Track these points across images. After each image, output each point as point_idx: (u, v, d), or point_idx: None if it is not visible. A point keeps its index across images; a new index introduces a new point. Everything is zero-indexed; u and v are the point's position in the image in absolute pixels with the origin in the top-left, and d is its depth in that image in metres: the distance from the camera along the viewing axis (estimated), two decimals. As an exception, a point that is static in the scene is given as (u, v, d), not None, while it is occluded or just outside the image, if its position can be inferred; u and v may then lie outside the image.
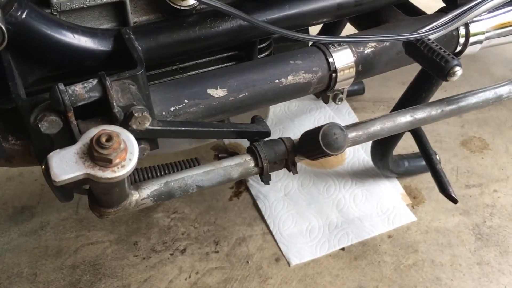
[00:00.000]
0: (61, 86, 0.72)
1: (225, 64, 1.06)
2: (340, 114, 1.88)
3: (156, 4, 0.94)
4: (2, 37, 0.69)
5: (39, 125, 0.74)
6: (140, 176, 0.93)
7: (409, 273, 1.43)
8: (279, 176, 1.67)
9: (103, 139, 0.70)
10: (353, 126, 1.00)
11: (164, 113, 0.91)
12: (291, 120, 1.86)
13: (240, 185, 1.68)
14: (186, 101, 0.93)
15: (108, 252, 1.50)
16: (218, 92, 0.95)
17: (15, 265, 1.46)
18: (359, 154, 1.73)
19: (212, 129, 0.93)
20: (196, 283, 1.44)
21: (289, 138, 0.99)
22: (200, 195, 1.65)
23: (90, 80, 0.74)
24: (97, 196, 0.82)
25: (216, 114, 0.97)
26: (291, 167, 0.98)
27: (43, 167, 0.81)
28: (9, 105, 0.82)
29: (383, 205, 1.59)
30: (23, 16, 0.79)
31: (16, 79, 0.78)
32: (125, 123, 0.77)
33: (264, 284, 1.43)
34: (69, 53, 0.85)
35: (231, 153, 0.98)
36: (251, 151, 0.97)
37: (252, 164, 0.96)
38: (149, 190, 0.90)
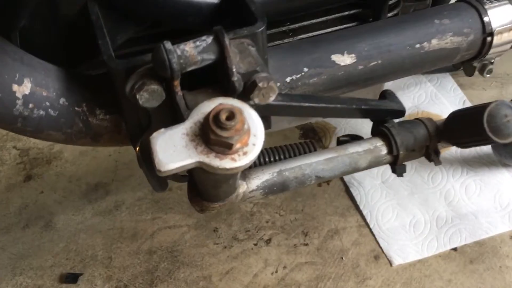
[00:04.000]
0: (168, 45, 0.54)
1: (345, 26, 0.85)
2: (444, 91, 1.64)
3: None
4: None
5: (137, 96, 0.57)
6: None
7: (539, 282, 1.20)
8: (376, 161, 1.46)
9: (223, 117, 0.51)
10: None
11: (278, 84, 0.72)
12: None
13: (331, 169, 1.47)
14: (305, 69, 0.74)
15: (187, 238, 1.35)
16: (344, 59, 0.75)
17: (89, 247, 1.34)
18: (469, 138, 1.49)
19: (339, 105, 0.73)
20: (284, 279, 1.27)
21: (430, 120, 0.78)
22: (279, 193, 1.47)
23: (203, 38, 0.56)
24: (202, 188, 0.65)
25: (339, 87, 0.77)
26: (433, 156, 0.77)
27: (137, 149, 0.64)
28: (97, 70, 0.66)
29: (503, 200, 1.35)
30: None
31: (107, 37, 0.61)
32: (244, 96, 0.58)
33: (362, 285, 1.24)
34: (169, 4, 0.66)
35: (354, 136, 0.78)
36: (382, 134, 0.77)
37: (384, 151, 0.77)
38: (259, 180, 0.72)
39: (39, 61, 0.63)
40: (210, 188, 0.64)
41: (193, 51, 0.55)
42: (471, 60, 0.84)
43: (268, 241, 1.34)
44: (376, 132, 0.77)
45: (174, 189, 1.46)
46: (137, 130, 0.65)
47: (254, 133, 0.54)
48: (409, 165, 1.44)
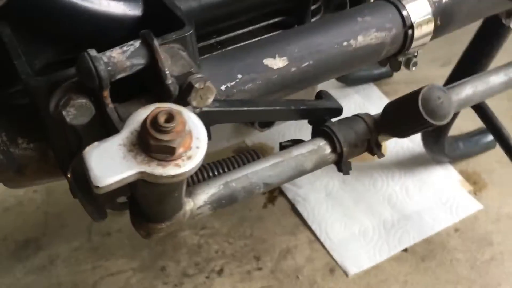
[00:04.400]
0: (93, 52, 0.50)
1: (271, 34, 0.85)
2: (371, 101, 1.69)
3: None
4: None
5: (64, 113, 0.52)
6: (189, 179, 0.71)
7: (489, 269, 1.23)
8: (316, 175, 1.46)
9: (162, 119, 0.48)
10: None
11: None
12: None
13: (273, 190, 1.46)
14: (239, 76, 0.72)
15: (133, 283, 1.26)
16: (277, 62, 0.74)
17: (25, 310, 1.22)
18: (401, 141, 1.53)
19: (278, 107, 0.72)
20: (242, 307, 1.21)
21: (368, 114, 0.79)
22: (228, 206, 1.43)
23: (130, 43, 0.53)
24: (146, 207, 0.60)
25: (275, 92, 0.76)
26: (375, 149, 0.77)
27: (68, 175, 0.59)
28: (15, 99, 0.61)
29: (442, 195, 1.39)
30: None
31: (22, 57, 0.56)
32: (181, 100, 0.55)
33: (322, 300, 1.21)
34: (86, 21, 0.63)
35: (296, 140, 0.77)
36: (324, 133, 0.76)
37: (328, 150, 0.75)
38: (205, 195, 0.68)
39: None
40: (155, 205, 0.59)
41: (121, 57, 0.52)
42: (396, 55, 0.86)
43: (220, 272, 1.28)
44: (317, 132, 0.76)
45: (113, 233, 1.38)
46: (66, 155, 0.59)
47: (197, 136, 0.51)
48: (351, 173, 1.45)
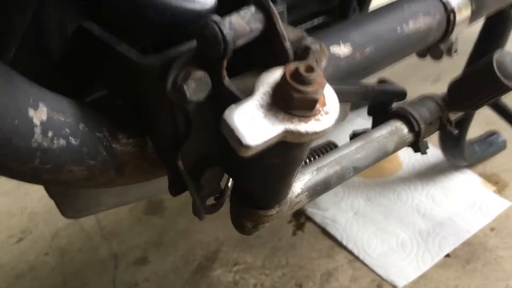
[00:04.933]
0: (217, 17, 0.49)
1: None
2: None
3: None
4: None
5: (185, 87, 0.49)
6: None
7: (535, 260, 1.22)
8: (339, 196, 1.45)
9: (303, 69, 0.46)
10: None
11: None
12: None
13: (300, 217, 1.43)
14: (310, 64, 0.71)
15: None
16: (343, 49, 0.74)
17: None
18: (414, 155, 1.54)
19: (352, 87, 0.71)
20: (297, 337, 1.15)
21: (434, 94, 0.79)
22: (257, 237, 1.38)
23: (245, 8, 0.51)
24: (262, 188, 0.57)
25: (342, 79, 0.76)
26: (448, 126, 0.77)
27: (179, 163, 0.55)
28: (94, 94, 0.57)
29: (469, 198, 1.39)
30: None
31: (124, 43, 0.54)
32: (297, 65, 0.53)
33: (377, 317, 1.16)
34: (170, 17, 0.61)
35: (365, 130, 0.76)
36: (397, 115, 0.76)
37: (405, 129, 0.75)
38: (301, 182, 0.65)
39: (44, 88, 0.53)
40: (279, 181, 0.56)
41: (241, 22, 0.50)
42: (440, 42, 0.88)
43: (264, 305, 1.22)
44: (390, 115, 0.76)
45: (140, 283, 1.30)
46: (172, 144, 0.56)
47: (327, 92, 0.50)
48: (370, 191, 1.45)
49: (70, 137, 0.52)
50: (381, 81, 0.80)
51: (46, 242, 1.47)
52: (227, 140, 0.46)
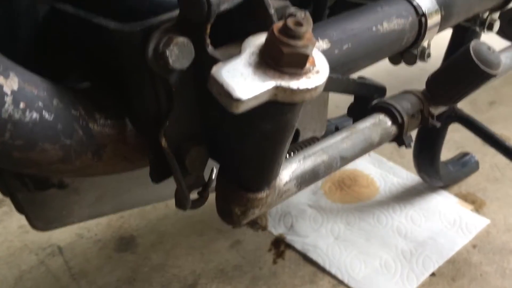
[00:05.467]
0: (196, -21, 0.47)
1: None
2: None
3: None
4: None
5: (167, 53, 0.47)
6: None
7: (520, 274, 1.21)
8: (319, 222, 1.42)
9: (292, 23, 0.45)
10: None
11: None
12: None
13: (279, 244, 1.38)
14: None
15: None
16: (321, 45, 0.74)
17: None
18: (390, 179, 1.54)
19: (336, 77, 0.70)
20: None
21: (414, 89, 0.79)
22: (237, 268, 1.33)
23: (229, -26, 0.50)
24: (252, 162, 0.54)
25: (323, 75, 0.75)
26: (430, 120, 0.76)
27: (162, 142, 0.51)
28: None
29: (448, 217, 1.38)
30: None
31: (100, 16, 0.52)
32: (282, 35, 0.52)
33: None
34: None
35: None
36: (380, 109, 0.75)
37: (389, 122, 0.74)
38: (289, 170, 0.63)
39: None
40: (269, 153, 0.53)
41: (225, -14, 0.49)
42: (412, 46, 0.90)
43: (248, 336, 1.15)
44: (372, 109, 0.75)
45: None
46: (153, 122, 0.52)
47: (315, 52, 0.48)
48: (350, 216, 1.42)
49: (43, 111, 0.48)
50: (361, 78, 0.80)
51: (9, 287, 1.37)
52: (216, 101, 0.44)
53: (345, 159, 0.68)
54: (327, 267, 1.28)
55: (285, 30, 0.44)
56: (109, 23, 0.50)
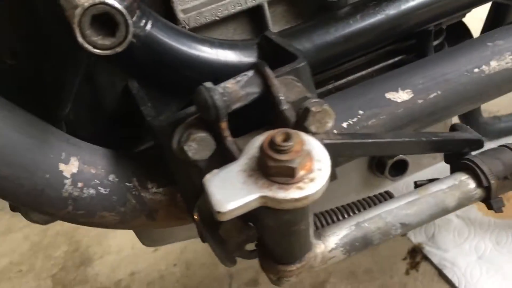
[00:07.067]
0: (208, 84, 0.51)
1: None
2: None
3: (302, 4, 0.74)
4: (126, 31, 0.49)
5: (185, 148, 0.52)
6: (317, 222, 0.67)
7: None
8: (463, 236, 1.32)
9: (279, 139, 0.46)
10: None
11: (335, 131, 0.66)
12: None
13: (415, 255, 1.34)
14: (360, 112, 0.69)
15: None
16: (400, 95, 0.70)
17: None
18: None
19: (407, 139, 0.66)
20: None
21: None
22: (367, 272, 1.33)
23: (244, 73, 0.53)
24: (274, 245, 0.57)
25: (402, 126, 0.71)
26: (529, 182, 0.67)
27: (195, 216, 0.58)
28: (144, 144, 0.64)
29: None
30: (148, 27, 0.61)
31: (148, 104, 0.60)
32: (299, 127, 0.53)
33: None
34: (208, 71, 0.65)
35: (432, 180, 0.70)
36: (464, 167, 0.68)
37: (472, 184, 0.67)
38: (336, 237, 0.63)
39: (85, 142, 0.62)
40: (282, 242, 0.56)
41: (235, 87, 0.52)
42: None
43: None
44: (457, 167, 0.68)
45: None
46: (192, 196, 0.59)
47: (318, 158, 0.48)
48: (502, 234, 1.29)
49: (99, 187, 0.59)
50: (453, 128, 0.72)
51: (176, 254, 1.60)
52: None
53: (407, 226, 0.65)
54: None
55: (271, 144, 0.46)
56: (149, 114, 0.58)
